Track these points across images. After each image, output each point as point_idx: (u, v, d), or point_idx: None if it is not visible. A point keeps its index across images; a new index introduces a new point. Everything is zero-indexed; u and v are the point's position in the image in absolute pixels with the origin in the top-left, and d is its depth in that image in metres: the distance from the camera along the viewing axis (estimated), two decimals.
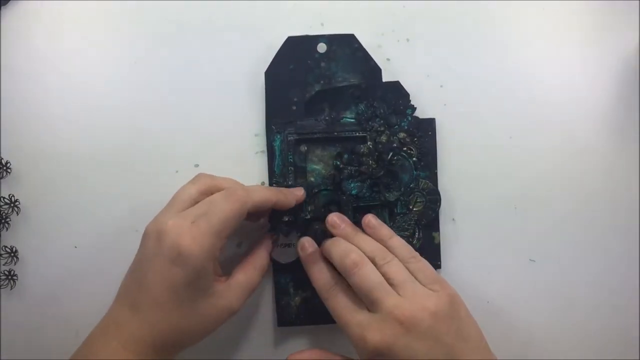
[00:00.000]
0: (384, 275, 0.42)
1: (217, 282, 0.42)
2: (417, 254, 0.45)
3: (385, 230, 0.46)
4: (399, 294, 0.41)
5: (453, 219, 0.50)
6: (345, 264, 0.42)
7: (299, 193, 0.46)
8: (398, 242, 0.45)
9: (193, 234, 0.39)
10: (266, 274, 0.46)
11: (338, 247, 0.44)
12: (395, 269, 0.42)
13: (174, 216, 0.41)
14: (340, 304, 0.43)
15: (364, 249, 0.44)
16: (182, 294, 0.40)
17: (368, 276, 0.42)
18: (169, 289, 0.39)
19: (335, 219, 0.46)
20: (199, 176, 0.45)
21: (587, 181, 0.51)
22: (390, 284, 0.41)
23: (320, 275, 0.45)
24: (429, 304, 0.40)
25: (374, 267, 0.42)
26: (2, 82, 0.49)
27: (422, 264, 0.44)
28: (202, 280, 0.40)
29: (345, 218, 0.46)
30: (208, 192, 0.43)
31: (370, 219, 0.46)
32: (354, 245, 0.44)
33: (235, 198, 0.41)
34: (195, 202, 0.42)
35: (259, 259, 0.46)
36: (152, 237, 0.41)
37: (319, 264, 0.45)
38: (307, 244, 0.46)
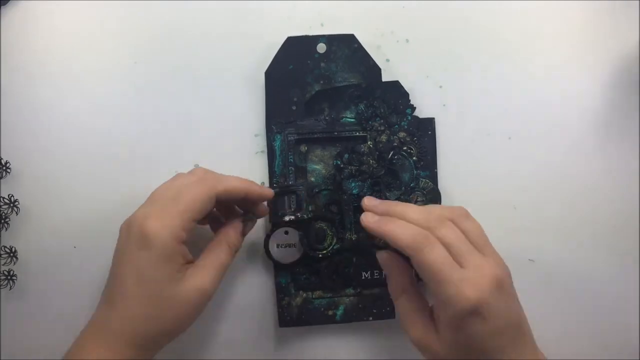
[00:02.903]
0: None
1: (186, 266, 0.41)
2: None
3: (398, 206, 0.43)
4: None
5: None
6: (417, 240, 0.39)
7: (269, 192, 0.46)
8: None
9: (159, 216, 0.39)
10: (266, 271, 0.46)
11: (403, 228, 0.41)
12: (455, 235, 0.40)
13: (143, 207, 0.41)
14: (440, 257, 0.38)
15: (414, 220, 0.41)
16: (150, 279, 0.39)
17: (440, 252, 0.39)
18: (137, 275, 0.39)
19: (367, 202, 0.44)
20: (177, 175, 0.44)
21: (587, 181, 0.51)
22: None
23: (407, 229, 0.40)
24: (503, 267, 0.40)
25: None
26: (2, 82, 0.49)
27: (469, 224, 0.42)
28: (170, 263, 0.39)
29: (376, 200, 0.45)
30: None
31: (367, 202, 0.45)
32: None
33: (204, 183, 0.41)
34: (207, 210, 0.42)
35: (228, 237, 0.44)
36: (123, 229, 0.41)
37: (396, 221, 0.41)
38: (369, 215, 0.43)
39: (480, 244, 0.41)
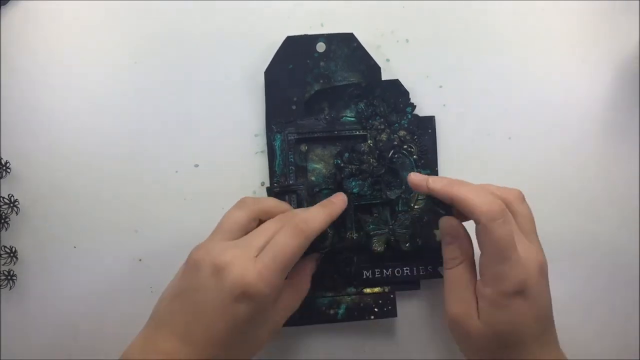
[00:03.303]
0: None
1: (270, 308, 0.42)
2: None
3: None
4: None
5: None
6: (493, 210, 0.38)
7: (342, 199, 0.45)
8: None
9: (259, 270, 0.38)
10: None
11: (480, 193, 0.40)
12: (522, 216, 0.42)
13: (231, 247, 0.39)
14: (511, 233, 0.38)
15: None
16: (245, 330, 0.38)
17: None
18: (232, 325, 0.38)
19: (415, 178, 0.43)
20: (244, 200, 0.43)
21: (587, 181, 0.51)
22: None
23: (484, 196, 0.39)
24: (543, 256, 0.41)
25: None
26: (2, 82, 0.49)
27: (523, 208, 0.42)
28: (266, 314, 0.40)
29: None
30: (256, 218, 0.42)
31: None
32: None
33: (298, 232, 0.40)
34: (245, 229, 0.41)
35: (303, 284, 0.45)
36: (207, 269, 0.38)
37: (470, 184, 0.41)
38: (436, 179, 0.42)
39: (528, 229, 0.41)
